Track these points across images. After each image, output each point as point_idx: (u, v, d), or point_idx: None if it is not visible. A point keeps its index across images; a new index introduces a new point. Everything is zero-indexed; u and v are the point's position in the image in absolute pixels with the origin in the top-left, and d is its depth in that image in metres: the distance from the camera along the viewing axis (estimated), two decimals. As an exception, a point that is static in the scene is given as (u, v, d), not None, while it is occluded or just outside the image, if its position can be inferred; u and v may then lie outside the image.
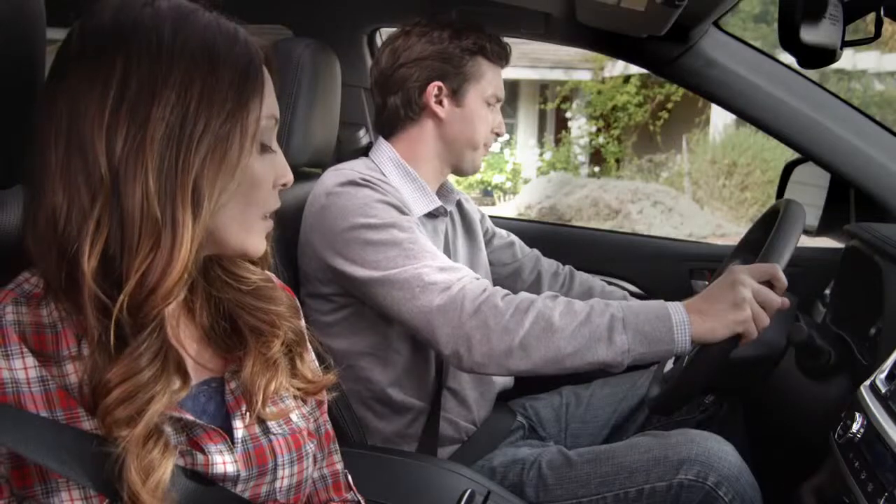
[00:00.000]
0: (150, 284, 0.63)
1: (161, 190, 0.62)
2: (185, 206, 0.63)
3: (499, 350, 1.09)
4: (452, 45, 1.31)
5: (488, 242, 1.58)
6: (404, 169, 1.33)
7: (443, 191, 1.43)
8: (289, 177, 0.74)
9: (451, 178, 1.47)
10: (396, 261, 1.15)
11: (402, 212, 1.22)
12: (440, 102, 1.33)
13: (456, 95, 1.33)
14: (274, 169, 0.72)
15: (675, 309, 1.08)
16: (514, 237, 1.62)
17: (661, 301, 1.11)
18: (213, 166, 0.64)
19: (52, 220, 0.63)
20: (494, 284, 1.52)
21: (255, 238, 0.72)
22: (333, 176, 1.25)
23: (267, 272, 0.81)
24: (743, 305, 1.06)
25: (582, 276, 1.59)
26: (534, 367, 1.09)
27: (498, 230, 1.61)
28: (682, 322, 1.07)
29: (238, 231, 0.70)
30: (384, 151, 1.35)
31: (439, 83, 1.32)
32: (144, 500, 0.62)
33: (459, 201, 1.49)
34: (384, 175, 1.31)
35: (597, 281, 1.59)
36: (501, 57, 1.37)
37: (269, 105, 0.70)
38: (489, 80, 1.35)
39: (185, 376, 0.68)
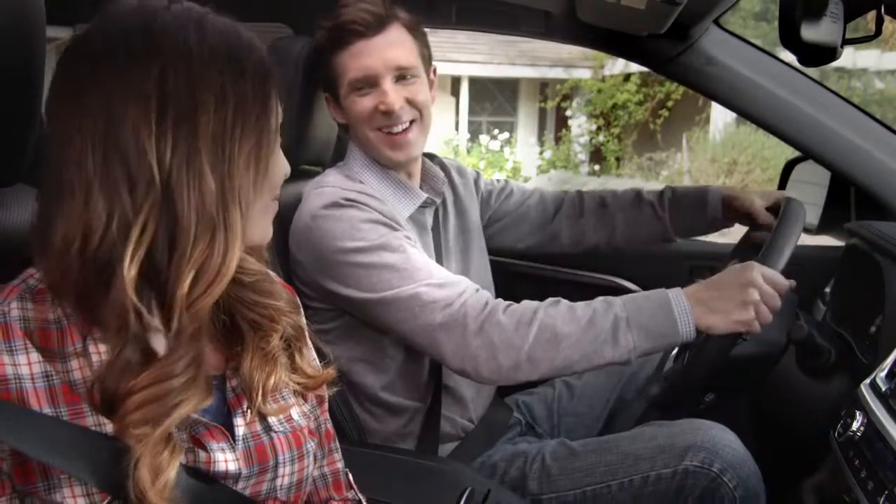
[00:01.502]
0: (202, 286, 0.63)
1: (215, 192, 0.63)
2: (234, 206, 0.64)
3: (506, 366, 1.10)
4: (318, 55, 1.27)
5: (493, 201, 1.53)
6: (378, 168, 1.29)
7: (427, 178, 1.37)
8: (288, 168, 0.75)
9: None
10: (391, 282, 1.13)
11: (390, 227, 1.18)
12: (335, 109, 1.30)
13: (336, 100, 1.28)
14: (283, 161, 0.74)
15: (677, 300, 1.09)
16: (510, 186, 1.56)
17: (663, 291, 1.11)
18: (252, 166, 0.66)
19: (87, 230, 0.62)
20: (509, 235, 1.52)
21: (268, 223, 0.74)
22: (316, 198, 1.20)
23: (265, 268, 0.81)
24: (749, 308, 1.07)
25: (592, 196, 1.54)
26: (542, 376, 1.11)
27: (493, 188, 1.54)
28: (685, 312, 1.08)
29: (260, 220, 0.72)
30: (353, 155, 1.31)
31: (326, 94, 1.31)
32: (151, 499, 0.62)
33: (453, 181, 1.45)
34: (363, 183, 1.27)
35: (608, 192, 1.54)
36: (341, 36, 1.22)
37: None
38: (342, 70, 1.23)
39: (209, 385, 0.68)
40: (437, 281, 1.14)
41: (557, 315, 1.10)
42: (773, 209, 1.37)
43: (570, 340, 1.08)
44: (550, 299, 1.14)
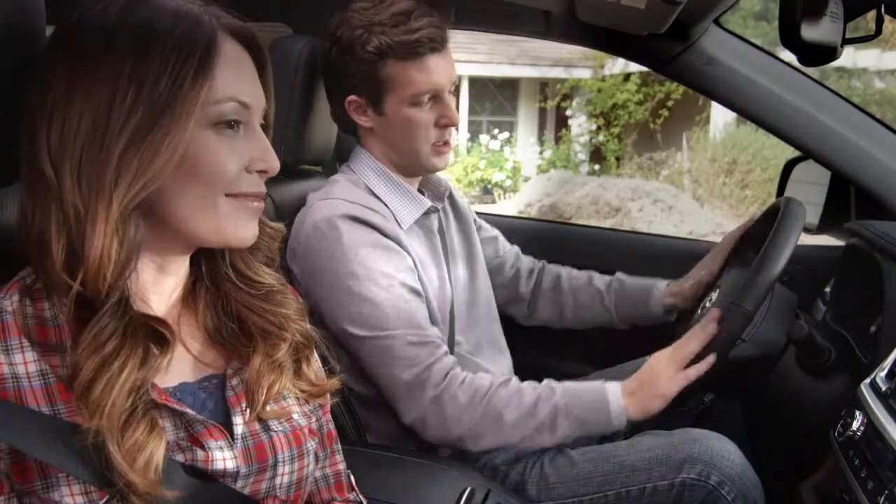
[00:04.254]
0: (90, 275, 0.63)
1: (84, 181, 0.63)
2: (101, 194, 0.63)
3: (452, 435, 1.18)
4: (357, 54, 1.21)
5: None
6: (386, 176, 1.29)
7: (429, 185, 1.39)
8: (268, 163, 0.71)
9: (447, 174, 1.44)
10: (370, 322, 1.17)
11: (390, 250, 1.20)
12: (364, 114, 1.27)
13: (376, 105, 1.25)
14: (248, 151, 0.70)
15: (615, 396, 1.17)
16: (496, 232, 1.59)
17: (601, 386, 1.19)
18: (133, 151, 0.63)
19: (24, 221, 0.66)
20: None
21: (230, 223, 0.70)
22: (322, 208, 1.21)
23: (278, 276, 0.80)
24: (668, 396, 1.17)
25: (551, 272, 1.59)
26: (482, 450, 1.20)
27: (483, 223, 1.57)
28: (620, 407, 1.17)
29: (205, 217, 0.69)
30: (363, 160, 1.31)
31: (353, 97, 1.25)
32: (137, 484, 0.62)
33: (451, 193, 1.46)
34: (372, 190, 1.28)
35: (564, 270, 1.58)
36: (416, 48, 1.20)
37: (228, 87, 0.68)
38: (405, 81, 1.22)
39: (162, 343, 0.67)
40: (410, 337, 1.18)
41: (505, 399, 1.17)
42: (772, 212, 1.37)
43: (513, 425, 1.17)
44: (503, 378, 1.20)
